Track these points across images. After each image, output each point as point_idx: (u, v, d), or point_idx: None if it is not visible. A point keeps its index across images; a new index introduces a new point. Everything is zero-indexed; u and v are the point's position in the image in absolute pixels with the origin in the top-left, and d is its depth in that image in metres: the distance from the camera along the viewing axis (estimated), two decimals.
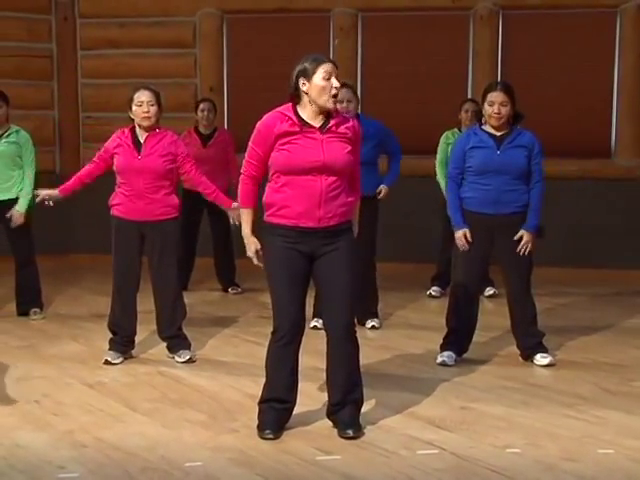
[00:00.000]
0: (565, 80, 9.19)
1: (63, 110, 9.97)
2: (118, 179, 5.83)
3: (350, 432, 4.49)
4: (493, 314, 7.06)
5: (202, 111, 8.21)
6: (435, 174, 7.88)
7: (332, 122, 4.45)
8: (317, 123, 4.44)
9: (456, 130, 7.91)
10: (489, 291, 8.01)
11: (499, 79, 9.14)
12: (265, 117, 4.50)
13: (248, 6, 9.53)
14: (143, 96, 5.77)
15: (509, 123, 5.73)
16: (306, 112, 4.46)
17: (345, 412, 4.54)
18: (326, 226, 4.43)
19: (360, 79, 9.49)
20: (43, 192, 5.95)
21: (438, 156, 7.92)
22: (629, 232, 9.04)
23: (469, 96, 8.97)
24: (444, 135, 7.97)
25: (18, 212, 6.93)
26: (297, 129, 4.40)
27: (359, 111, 6.91)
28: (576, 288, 8.44)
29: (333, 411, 4.60)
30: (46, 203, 5.91)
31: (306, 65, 4.42)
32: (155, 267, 5.88)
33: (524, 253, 5.69)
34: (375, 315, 6.86)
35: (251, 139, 4.51)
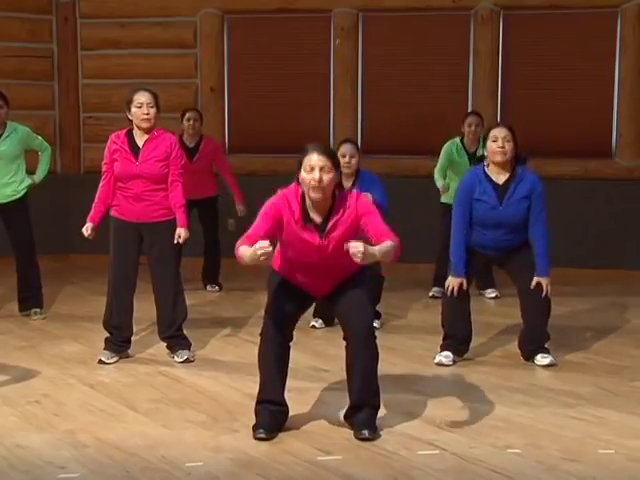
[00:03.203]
0: (566, 80, 9.19)
1: (64, 110, 9.97)
2: (117, 182, 5.81)
3: (366, 433, 4.48)
4: (493, 314, 7.06)
5: (188, 120, 8.08)
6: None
7: (333, 220, 4.38)
8: (318, 217, 4.39)
9: (458, 141, 7.84)
10: (491, 293, 8.00)
11: (500, 79, 9.19)
12: (273, 198, 4.43)
13: (249, 6, 9.52)
14: (142, 97, 5.75)
15: (512, 165, 5.72)
16: (309, 202, 4.41)
17: (362, 414, 4.54)
18: (330, 291, 4.56)
19: (361, 79, 9.49)
20: (85, 233, 5.85)
21: (438, 164, 7.83)
22: (630, 232, 9.03)
23: (470, 96, 8.99)
24: (446, 147, 7.83)
25: (35, 181, 7.17)
26: (297, 228, 4.37)
27: (362, 166, 6.71)
28: (576, 288, 8.42)
29: (350, 414, 4.60)
30: (87, 236, 5.85)
31: (302, 156, 4.35)
32: (154, 268, 5.88)
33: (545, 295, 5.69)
34: (376, 316, 6.86)
35: (260, 213, 4.42)
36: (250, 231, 4.36)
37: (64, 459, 4.25)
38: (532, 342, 5.88)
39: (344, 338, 4.56)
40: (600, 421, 4.79)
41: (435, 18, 9.36)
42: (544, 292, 5.67)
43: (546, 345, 5.89)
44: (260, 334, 4.58)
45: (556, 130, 9.09)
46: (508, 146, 5.66)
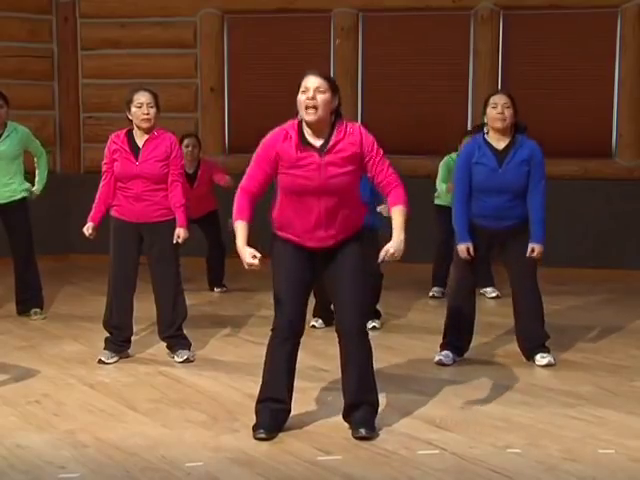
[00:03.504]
0: (566, 80, 9.20)
1: (64, 110, 9.98)
2: (117, 182, 5.82)
3: (363, 431, 4.47)
4: (493, 314, 7.07)
5: (187, 147, 7.92)
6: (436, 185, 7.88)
7: (332, 141, 4.36)
8: (318, 141, 4.36)
9: (455, 157, 7.85)
10: (491, 293, 8.01)
11: (500, 79, 9.19)
12: (269, 134, 4.43)
13: (249, 6, 9.53)
14: (142, 97, 5.75)
15: (512, 132, 5.72)
16: (307, 129, 4.39)
17: (359, 413, 4.53)
18: (329, 245, 4.45)
19: (361, 79, 9.49)
20: (86, 232, 5.86)
21: (439, 176, 7.85)
22: (630, 232, 9.04)
23: (470, 96, 9.00)
24: (445, 160, 7.87)
25: (35, 194, 7.18)
26: (296, 151, 4.33)
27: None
28: (576, 288, 8.44)
29: (348, 413, 4.59)
30: (88, 235, 5.85)
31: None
32: (154, 268, 5.88)
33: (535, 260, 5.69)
34: (375, 315, 6.86)
35: (255, 153, 4.46)
36: (245, 181, 4.43)
37: (64, 459, 4.25)
38: (529, 341, 5.88)
39: (336, 330, 4.56)
40: (600, 421, 4.79)
41: (435, 18, 9.37)
42: (534, 254, 5.65)
43: (546, 344, 5.89)
44: (272, 329, 4.56)
45: (556, 130, 9.10)
46: (507, 112, 5.66)
